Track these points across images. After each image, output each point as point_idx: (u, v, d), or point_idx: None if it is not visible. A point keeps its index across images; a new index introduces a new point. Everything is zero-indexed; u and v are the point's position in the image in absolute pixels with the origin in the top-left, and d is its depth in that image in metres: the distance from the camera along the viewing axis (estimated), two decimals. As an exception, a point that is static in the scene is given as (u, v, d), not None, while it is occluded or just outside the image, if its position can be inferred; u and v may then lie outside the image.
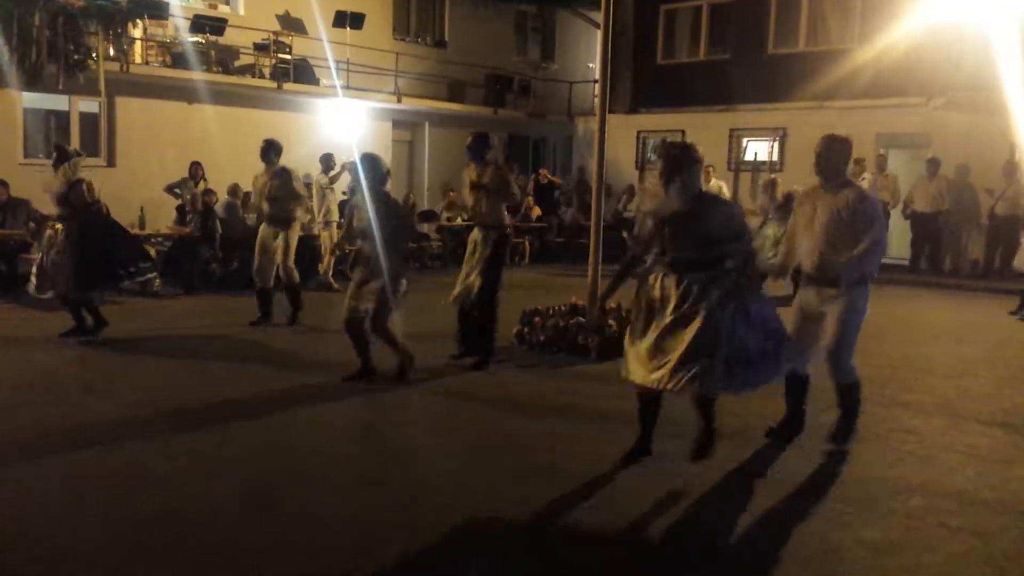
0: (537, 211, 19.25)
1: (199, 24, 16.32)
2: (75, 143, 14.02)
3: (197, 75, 15.89)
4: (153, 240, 13.24)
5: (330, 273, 13.42)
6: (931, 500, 5.02)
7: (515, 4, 23.92)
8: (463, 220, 17.64)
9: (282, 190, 9.85)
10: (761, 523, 4.72)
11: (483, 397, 7.22)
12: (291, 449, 5.81)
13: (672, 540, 4.47)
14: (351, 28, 18.58)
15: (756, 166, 19.34)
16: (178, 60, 16.11)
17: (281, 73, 17.45)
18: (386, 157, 19.31)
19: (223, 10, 17.94)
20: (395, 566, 4.12)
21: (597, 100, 9.79)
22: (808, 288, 5.80)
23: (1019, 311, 11.99)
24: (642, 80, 21.60)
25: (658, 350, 5.09)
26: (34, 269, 9.03)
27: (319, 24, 17.98)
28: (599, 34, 9.79)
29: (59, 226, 8.77)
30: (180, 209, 13.88)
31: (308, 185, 12.24)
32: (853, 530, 4.60)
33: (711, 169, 16.28)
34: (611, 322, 8.94)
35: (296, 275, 10.30)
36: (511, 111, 22.29)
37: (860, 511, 4.86)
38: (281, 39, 17.80)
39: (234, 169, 14.93)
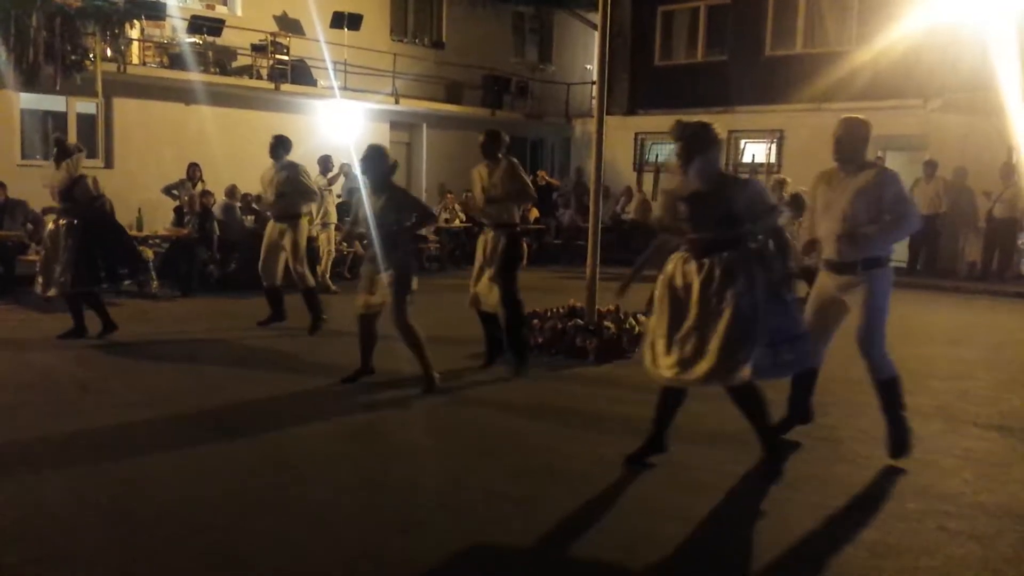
0: (535, 213, 19.21)
1: (196, 25, 16.31)
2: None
3: (194, 76, 15.88)
4: (151, 241, 13.21)
5: (328, 275, 13.42)
6: (929, 503, 4.99)
7: (513, 5, 23.91)
8: (461, 222, 17.67)
9: (289, 185, 9.64)
10: (757, 524, 4.71)
11: (481, 398, 7.20)
12: (289, 450, 5.79)
13: (668, 540, 4.44)
14: (349, 29, 18.57)
15: (754, 168, 19.33)
16: (175, 61, 16.11)
17: (279, 74, 17.45)
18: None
19: (220, 11, 17.93)
20: (393, 566, 4.12)
21: (595, 101, 9.79)
22: (826, 273, 5.65)
23: None
24: (640, 82, 21.62)
25: (688, 343, 4.97)
26: (39, 267, 8.95)
27: (317, 25, 17.98)
28: (596, 35, 9.79)
29: (62, 221, 8.71)
30: (178, 211, 13.85)
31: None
32: (851, 532, 4.58)
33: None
34: (609, 324, 8.93)
35: (309, 279, 9.92)
36: (509, 112, 22.28)
37: (858, 513, 4.84)
38: (279, 40, 17.78)
39: (232, 170, 14.93)
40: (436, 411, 6.81)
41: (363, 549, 4.27)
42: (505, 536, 4.48)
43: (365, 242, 14.72)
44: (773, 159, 19.02)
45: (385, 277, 7.02)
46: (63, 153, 8.64)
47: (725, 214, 4.94)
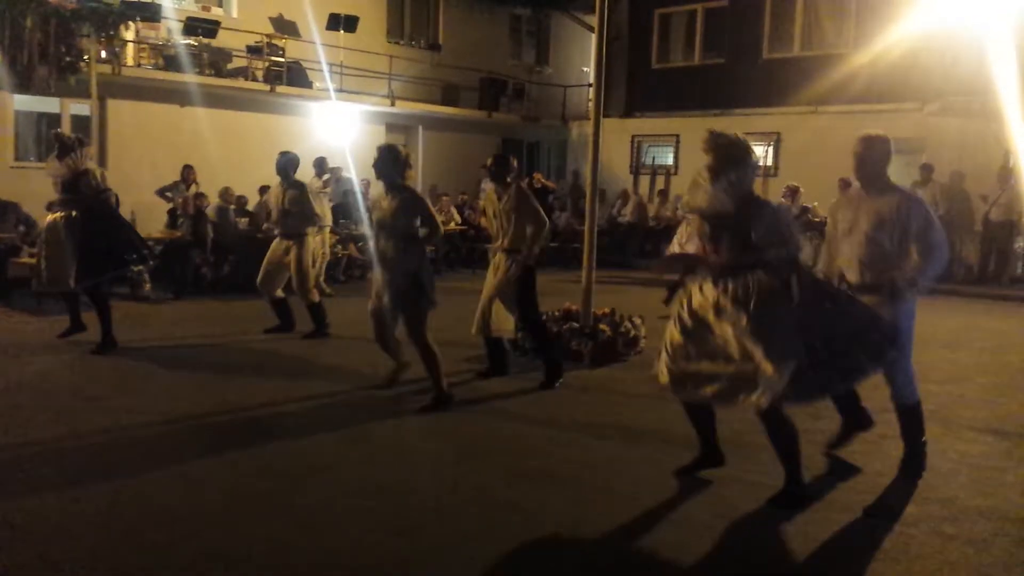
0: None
1: (192, 26, 16.25)
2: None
3: (189, 78, 15.84)
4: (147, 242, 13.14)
5: (322, 278, 13.36)
6: (924, 507, 4.99)
7: (509, 7, 23.90)
8: (456, 224, 17.64)
9: (295, 204, 9.59)
10: (753, 530, 4.69)
11: (476, 402, 7.17)
12: (284, 454, 5.77)
13: (664, 545, 4.42)
14: (345, 31, 18.54)
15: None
16: (170, 63, 16.06)
17: (274, 76, 17.41)
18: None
19: (216, 12, 17.89)
20: (387, 569, 4.12)
21: (591, 104, 9.75)
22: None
23: None
24: (636, 84, 21.62)
25: (704, 364, 4.86)
26: (42, 263, 8.80)
27: (312, 27, 17.97)
28: (593, 38, 9.75)
29: (60, 214, 8.61)
30: (171, 213, 13.80)
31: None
32: (845, 537, 4.58)
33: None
34: (604, 327, 8.90)
35: (314, 296, 9.85)
36: (505, 115, 22.25)
37: (852, 518, 4.83)
38: (274, 42, 17.76)
39: (226, 172, 14.91)
40: (430, 415, 6.77)
41: (357, 553, 4.27)
42: (499, 540, 4.47)
43: (361, 244, 14.91)
44: (770, 162, 19.00)
45: (394, 287, 6.80)
46: (64, 148, 8.54)
47: (745, 240, 4.76)
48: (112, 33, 14.52)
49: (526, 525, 4.65)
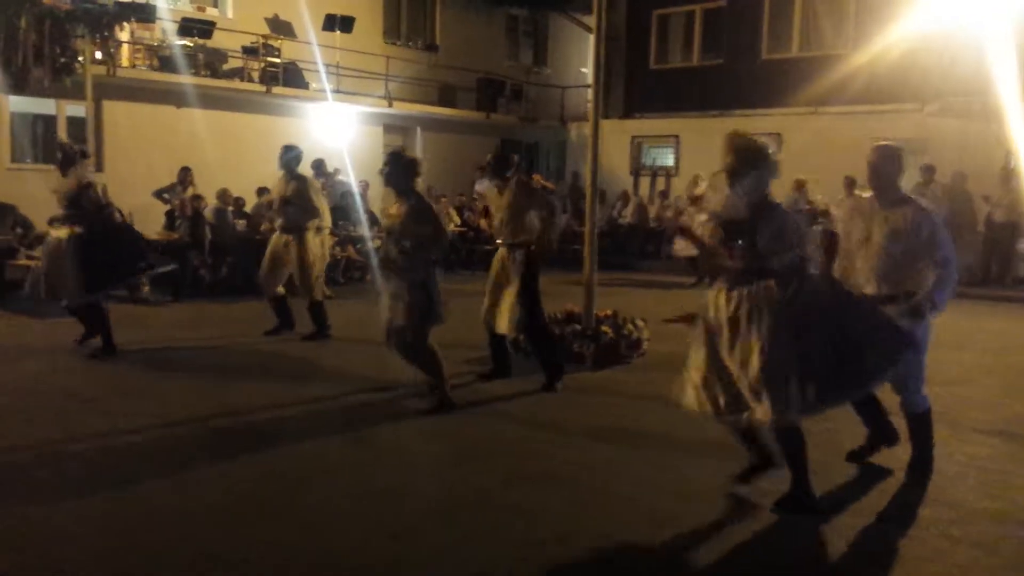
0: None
1: (187, 27, 16.21)
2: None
3: (185, 79, 15.81)
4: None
5: (322, 280, 13.28)
6: (932, 510, 4.97)
7: (506, 8, 23.88)
8: (455, 227, 17.57)
9: (297, 196, 9.51)
10: (755, 532, 4.65)
11: (477, 404, 7.12)
12: (282, 456, 5.73)
13: (664, 548, 4.40)
14: (341, 32, 18.51)
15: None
16: (166, 63, 16.03)
17: (270, 77, 17.38)
18: (377, 162, 19.30)
19: (211, 13, 17.86)
20: (388, 570, 4.13)
21: (590, 105, 9.69)
22: None
23: None
24: (635, 85, 21.60)
25: (719, 379, 4.79)
26: (41, 276, 8.70)
27: (308, 27, 17.92)
28: (592, 38, 9.70)
29: (63, 231, 8.51)
30: (169, 215, 13.73)
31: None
32: (851, 540, 4.55)
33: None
34: (606, 329, 8.84)
35: (317, 293, 9.74)
36: (503, 116, 22.24)
37: (859, 520, 4.81)
38: (270, 43, 17.72)
39: (223, 174, 14.84)
40: (430, 418, 6.73)
41: (358, 554, 4.28)
42: (499, 542, 4.46)
43: (359, 246, 14.85)
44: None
45: (402, 296, 6.66)
46: (67, 160, 8.44)
47: (752, 244, 4.70)
48: (107, 34, 14.47)
49: (527, 527, 4.62)
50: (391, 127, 20.48)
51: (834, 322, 4.75)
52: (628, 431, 6.41)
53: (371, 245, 14.33)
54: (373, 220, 15.39)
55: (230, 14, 18.14)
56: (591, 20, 10.06)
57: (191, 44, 16.40)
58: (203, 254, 13.30)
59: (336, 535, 4.47)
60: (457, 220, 17.58)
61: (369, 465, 5.63)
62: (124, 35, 15.40)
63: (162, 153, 15.45)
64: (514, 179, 7.63)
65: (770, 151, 4.79)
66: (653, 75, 21.50)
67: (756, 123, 18.72)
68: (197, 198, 13.57)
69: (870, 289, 5.39)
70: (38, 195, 9.95)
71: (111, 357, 8.53)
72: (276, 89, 17.31)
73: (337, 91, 18.40)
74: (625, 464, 5.72)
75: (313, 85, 18.27)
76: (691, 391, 4.94)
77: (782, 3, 19.28)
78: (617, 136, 20.84)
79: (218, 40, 16.90)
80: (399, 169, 6.77)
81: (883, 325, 4.92)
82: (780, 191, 12.58)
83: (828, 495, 5.13)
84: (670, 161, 21.17)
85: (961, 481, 5.49)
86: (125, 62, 15.58)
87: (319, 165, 13.72)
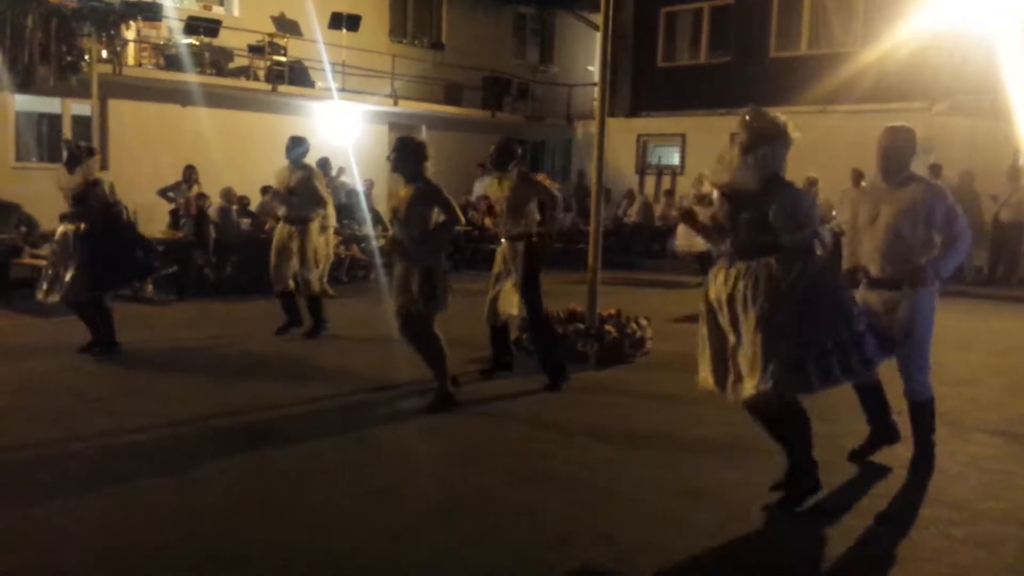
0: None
1: (193, 26, 16.22)
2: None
3: (191, 77, 15.83)
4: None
5: (325, 279, 13.30)
6: (934, 510, 4.94)
7: (513, 6, 23.87)
8: (461, 225, 17.52)
9: (301, 185, 9.45)
10: (755, 532, 4.63)
11: (479, 403, 7.09)
12: (284, 456, 5.72)
13: (665, 548, 4.36)
14: (347, 30, 18.49)
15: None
16: (172, 62, 16.05)
17: (276, 75, 17.38)
18: (382, 160, 19.26)
19: (217, 11, 17.87)
20: (389, 571, 4.11)
21: (596, 103, 9.66)
22: (870, 291, 5.38)
23: None
24: (642, 83, 21.56)
25: (724, 358, 4.79)
26: (48, 272, 8.70)
27: (315, 26, 17.92)
28: (598, 36, 9.67)
29: (71, 227, 8.51)
30: (173, 213, 13.75)
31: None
32: (853, 540, 4.53)
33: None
34: (610, 328, 8.81)
35: (315, 287, 9.77)
36: (509, 114, 22.21)
37: (860, 520, 4.78)
38: (276, 41, 17.72)
39: (228, 173, 14.85)
40: (432, 417, 6.70)
41: (358, 555, 4.27)
42: (501, 542, 4.45)
43: (364, 245, 14.85)
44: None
45: (411, 281, 6.62)
46: (73, 159, 8.44)
47: (760, 219, 4.63)
48: (113, 32, 14.49)
49: (528, 527, 4.61)
50: (397, 125, 20.46)
51: (841, 304, 4.73)
52: (630, 431, 6.38)
53: (375, 244, 14.34)
54: (377, 219, 15.39)
55: (236, 12, 18.16)
56: (598, 18, 10.02)
57: (197, 43, 16.41)
58: (207, 253, 13.29)
59: (337, 535, 4.46)
60: (463, 220, 17.53)
61: (370, 465, 5.61)
62: (130, 34, 15.42)
63: (167, 152, 15.47)
64: (515, 170, 7.60)
65: (787, 127, 4.71)
66: (660, 73, 21.46)
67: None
68: (202, 197, 13.57)
69: (873, 269, 5.36)
70: (43, 194, 9.96)
71: (113, 356, 8.52)
72: (282, 88, 17.31)
73: (343, 90, 18.40)
74: (627, 464, 5.69)
75: (319, 84, 18.27)
76: (702, 370, 4.94)
77: (791, 1, 19.23)
78: (623, 135, 20.81)
79: (224, 39, 16.91)
80: (406, 154, 6.74)
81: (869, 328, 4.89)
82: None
83: (829, 495, 5.09)
84: (676, 160, 21.14)
85: (964, 481, 5.45)
86: (131, 61, 15.60)
87: (323, 164, 13.70)
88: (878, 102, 16.70)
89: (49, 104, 15.16)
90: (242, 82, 17.10)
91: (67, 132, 15.04)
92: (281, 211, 9.73)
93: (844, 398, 6.37)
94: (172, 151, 15.42)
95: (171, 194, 13.88)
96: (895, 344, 5.12)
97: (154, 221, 13.95)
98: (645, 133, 21.51)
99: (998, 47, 14.37)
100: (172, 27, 16.23)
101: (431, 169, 6.83)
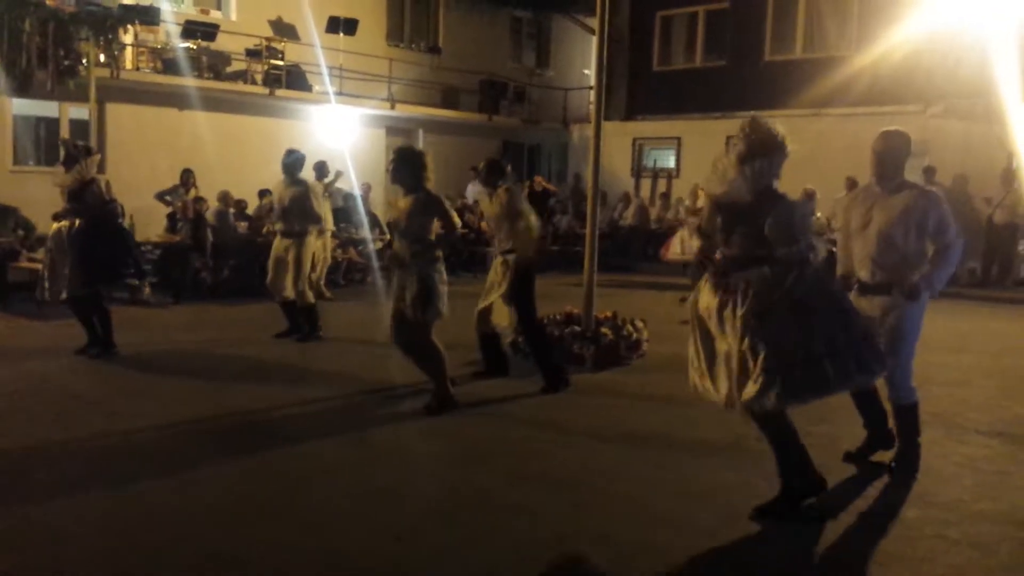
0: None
1: (190, 30, 16.24)
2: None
3: (188, 81, 15.84)
4: (143, 248, 13.11)
5: (323, 281, 13.31)
6: (928, 511, 4.95)
7: (510, 10, 23.91)
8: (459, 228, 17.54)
9: (297, 202, 9.53)
10: (753, 532, 4.64)
11: (477, 405, 7.11)
12: (283, 458, 5.73)
13: (663, 548, 4.38)
14: (344, 34, 18.53)
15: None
16: (169, 66, 16.06)
17: (273, 79, 17.40)
18: (380, 164, 19.37)
19: (215, 16, 17.90)
20: (388, 571, 4.12)
21: (592, 107, 9.71)
22: (861, 296, 5.37)
23: None
24: (638, 87, 21.58)
25: (715, 367, 4.77)
26: (45, 272, 8.73)
27: (312, 30, 17.96)
28: (594, 40, 9.69)
29: (65, 223, 8.54)
30: (171, 217, 13.76)
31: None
32: (849, 542, 4.55)
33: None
34: (606, 331, 8.84)
35: (309, 297, 9.81)
36: (505, 118, 22.25)
37: (856, 521, 4.80)
38: (273, 45, 17.75)
39: (225, 176, 14.86)
40: (431, 418, 6.72)
41: (358, 555, 4.27)
42: (500, 543, 4.46)
43: (361, 248, 14.87)
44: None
45: (410, 290, 6.66)
46: (71, 158, 8.48)
47: (755, 232, 4.61)
48: (111, 37, 14.53)
49: (528, 527, 4.62)
50: (394, 129, 20.50)
51: (834, 311, 4.71)
52: (628, 432, 6.40)
53: (372, 247, 14.36)
54: (375, 222, 15.41)
55: (233, 17, 18.17)
56: (594, 22, 10.07)
57: (194, 47, 16.44)
58: (204, 256, 13.31)
59: (337, 535, 4.47)
60: (459, 223, 17.54)
61: (369, 465, 5.63)
62: (128, 38, 15.44)
63: (165, 155, 15.48)
64: (502, 188, 7.65)
65: (784, 139, 4.70)
66: (656, 77, 21.49)
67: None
68: (199, 200, 13.59)
69: (864, 275, 5.37)
70: (40, 197, 9.98)
71: (110, 357, 8.54)
72: (279, 91, 17.33)
73: (340, 93, 18.42)
74: (625, 464, 5.71)
75: (316, 87, 18.29)
76: (693, 379, 4.93)
77: (785, 5, 19.27)
78: (619, 138, 20.83)
79: (221, 43, 16.94)
80: (405, 165, 6.78)
81: (868, 335, 4.88)
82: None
83: (827, 495, 5.09)
84: (671, 163, 21.17)
85: (958, 481, 5.47)
86: (128, 65, 15.60)
87: (321, 167, 13.70)
88: (872, 105, 16.74)
89: (47, 108, 15.16)
90: (239, 86, 17.10)
91: (65, 136, 15.04)
92: (278, 225, 9.81)
93: (843, 400, 6.43)
94: (170, 155, 15.42)
95: (168, 198, 13.89)
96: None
97: (151, 225, 13.97)
98: (641, 136, 21.53)
99: (992, 50, 14.40)
100: (170, 31, 16.24)
101: (431, 179, 6.86)
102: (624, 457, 5.83)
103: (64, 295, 8.52)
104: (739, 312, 4.59)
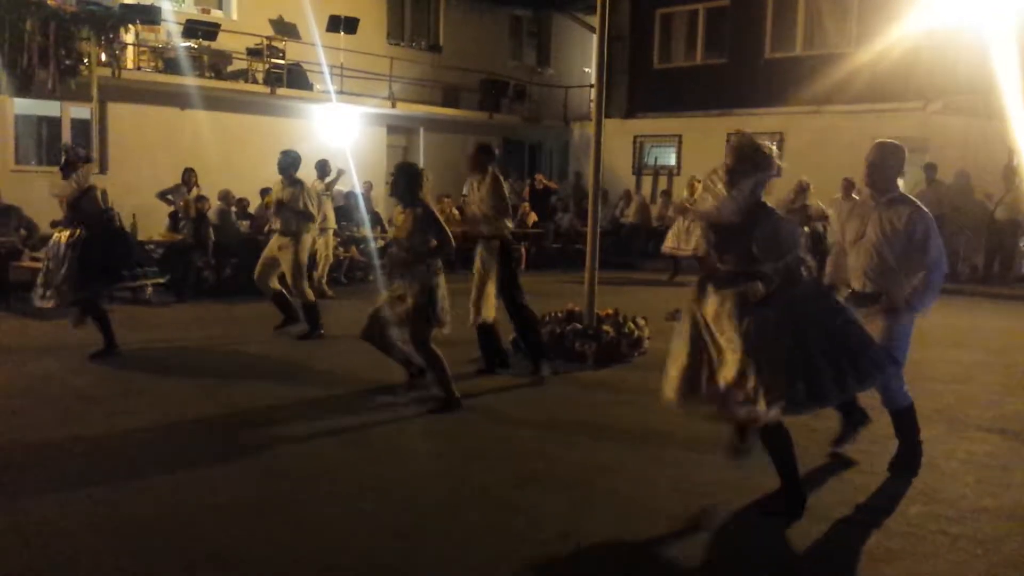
0: (533, 217, 19.16)
1: (192, 29, 16.24)
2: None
3: (190, 80, 15.84)
4: (146, 247, 13.13)
5: (324, 280, 13.34)
6: (931, 507, 4.96)
7: (510, 8, 23.90)
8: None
9: (293, 201, 9.66)
10: (755, 529, 4.65)
11: (478, 404, 7.12)
12: (285, 456, 5.74)
13: (666, 546, 4.41)
14: (345, 33, 18.51)
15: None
16: (170, 65, 16.06)
17: (274, 78, 17.40)
18: (381, 163, 19.39)
19: (216, 15, 17.89)
20: (388, 571, 4.11)
21: (593, 105, 9.72)
22: (852, 305, 5.34)
23: None
24: (638, 85, 21.58)
25: (703, 376, 4.76)
26: (40, 279, 8.74)
27: (313, 29, 17.95)
28: (595, 38, 9.71)
29: (66, 232, 8.56)
30: (173, 216, 13.77)
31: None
32: (851, 538, 4.55)
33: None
34: (607, 328, 8.86)
35: (309, 295, 9.91)
36: (506, 116, 22.23)
37: (858, 518, 4.81)
38: (274, 44, 17.74)
39: (227, 175, 14.86)
40: (432, 417, 6.74)
41: (358, 554, 4.27)
42: (501, 542, 4.46)
43: (362, 246, 14.88)
44: (773, 162, 18.92)
45: (407, 300, 6.77)
46: (69, 165, 8.49)
47: (747, 250, 4.63)
48: (112, 36, 14.52)
49: (528, 527, 4.62)
50: (395, 128, 20.51)
51: (829, 323, 4.73)
52: (629, 429, 6.41)
53: (374, 246, 14.37)
54: (376, 220, 15.42)
55: (234, 16, 18.17)
56: (594, 20, 10.08)
57: (196, 46, 16.44)
58: (207, 255, 13.33)
59: (337, 535, 4.48)
60: (451, 238, 17.51)
61: (370, 464, 5.64)
62: (129, 37, 15.44)
63: (166, 154, 15.47)
64: (490, 172, 7.88)
65: (772, 154, 4.72)
66: (656, 75, 21.49)
67: (758, 122, 18.78)
68: (201, 199, 13.60)
69: (857, 285, 5.45)
70: (42, 197, 9.98)
71: (113, 358, 8.55)
72: (280, 90, 17.33)
73: (341, 92, 18.41)
74: (626, 462, 5.72)
75: (317, 86, 18.28)
76: (670, 381, 4.92)
77: (785, 2, 19.26)
78: (620, 136, 20.83)
79: (222, 42, 16.94)
80: (402, 181, 6.92)
81: (867, 343, 4.89)
82: (781, 190, 12.67)
83: (827, 494, 5.15)
84: (672, 160, 21.18)
85: (960, 478, 5.48)
86: (130, 64, 15.60)
87: (323, 166, 13.71)
88: (873, 102, 16.76)
89: (48, 108, 15.17)
90: (241, 85, 17.11)
91: (66, 135, 15.10)
92: (275, 223, 9.91)
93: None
94: (171, 154, 15.42)
95: (170, 197, 13.88)
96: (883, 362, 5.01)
97: (154, 224, 13.97)
98: (641, 134, 21.53)
99: (992, 46, 14.39)
100: (171, 31, 16.23)
101: (428, 194, 7.01)
102: (625, 454, 5.84)
103: (53, 302, 8.53)
104: (736, 323, 4.60)
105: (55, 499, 4.87)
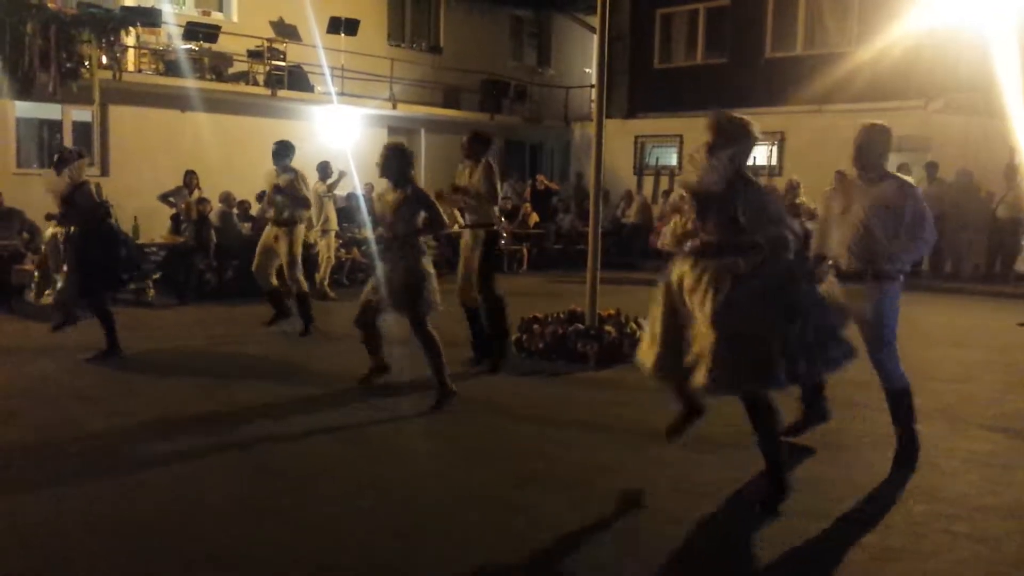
0: (535, 217, 19.16)
1: (192, 31, 16.25)
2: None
3: (190, 83, 15.85)
4: (147, 249, 13.14)
5: (326, 282, 13.35)
6: (933, 506, 4.95)
7: (511, 9, 23.91)
8: (459, 226, 17.56)
9: (289, 187, 9.68)
10: (757, 529, 4.63)
11: (480, 403, 7.13)
12: (285, 456, 5.75)
13: (667, 545, 4.39)
14: (345, 34, 18.52)
15: (755, 170, 19.23)
16: (171, 68, 16.09)
17: (275, 80, 17.42)
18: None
19: (216, 17, 17.91)
20: (388, 570, 4.11)
21: (594, 105, 9.72)
22: (837, 283, 5.47)
23: None
24: (639, 85, 21.58)
25: (679, 347, 4.80)
26: (36, 275, 8.79)
27: (313, 31, 17.95)
28: (595, 38, 9.72)
29: (60, 228, 8.57)
30: (174, 218, 13.80)
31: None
32: (853, 536, 4.54)
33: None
34: (609, 329, 8.86)
35: (304, 285, 10.01)
36: (507, 117, 22.24)
37: (860, 516, 4.80)
38: (275, 46, 17.77)
39: (228, 177, 14.86)
40: (433, 416, 6.75)
41: (357, 554, 4.27)
42: (502, 542, 4.46)
43: (364, 248, 14.87)
44: (774, 161, 18.95)
45: (393, 283, 6.80)
46: (62, 161, 8.52)
47: (730, 218, 4.68)
48: (113, 39, 14.53)
49: (528, 527, 4.62)
50: (396, 129, 20.51)
51: (807, 306, 4.75)
52: (631, 430, 6.40)
53: (375, 248, 14.37)
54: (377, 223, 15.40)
55: (235, 18, 18.19)
56: (595, 20, 10.07)
57: (196, 48, 16.46)
58: (208, 257, 13.34)
59: (337, 534, 4.48)
60: (461, 221, 17.54)
61: (370, 464, 5.64)
62: (130, 40, 15.45)
63: (167, 157, 15.48)
64: (484, 161, 7.98)
65: (751, 127, 4.83)
66: (657, 75, 21.49)
67: (759, 122, 18.57)
68: (202, 201, 13.62)
69: (841, 262, 5.47)
70: (44, 200, 9.97)
71: (116, 359, 8.56)
72: (281, 92, 17.35)
73: (342, 94, 18.42)
74: (626, 462, 5.72)
75: (318, 88, 18.29)
76: (644, 348, 5.00)
77: (786, 1, 19.25)
78: (621, 136, 20.82)
79: (223, 44, 16.95)
80: (393, 160, 6.93)
81: (838, 327, 4.96)
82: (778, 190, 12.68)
83: (827, 492, 5.14)
84: (673, 160, 21.15)
85: (963, 476, 5.47)
86: (131, 67, 15.62)
87: (324, 168, 13.72)
88: (873, 101, 16.72)
89: (50, 111, 15.19)
90: (241, 87, 17.13)
91: (68, 138, 15.12)
92: (269, 213, 9.94)
93: (837, 392, 6.46)
94: (172, 156, 15.43)
95: (172, 199, 13.91)
96: (852, 349, 5.03)
97: (155, 226, 13.99)
98: (642, 134, 21.53)
99: (993, 45, 14.37)
100: (171, 33, 16.24)
101: (417, 174, 7.20)
102: (625, 455, 5.84)
103: (52, 301, 8.55)
104: (710, 297, 4.63)
105: (54, 499, 4.88)
